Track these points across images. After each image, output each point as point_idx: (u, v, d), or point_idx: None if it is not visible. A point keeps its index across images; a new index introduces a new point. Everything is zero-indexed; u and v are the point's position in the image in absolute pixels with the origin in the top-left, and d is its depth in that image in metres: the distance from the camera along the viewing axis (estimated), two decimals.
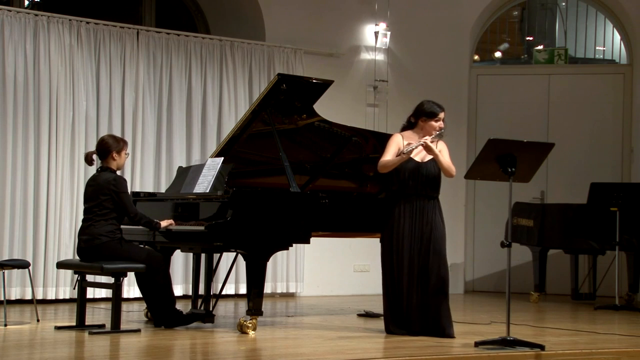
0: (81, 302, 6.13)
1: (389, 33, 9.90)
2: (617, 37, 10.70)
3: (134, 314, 7.14)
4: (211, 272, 6.67)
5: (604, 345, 5.72)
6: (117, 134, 8.26)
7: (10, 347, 5.26)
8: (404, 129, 6.10)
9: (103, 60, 8.41)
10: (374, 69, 9.90)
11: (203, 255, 6.69)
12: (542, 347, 5.32)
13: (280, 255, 9.07)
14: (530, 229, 9.13)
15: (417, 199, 5.93)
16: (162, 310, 6.13)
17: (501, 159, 5.51)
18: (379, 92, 9.93)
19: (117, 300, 5.85)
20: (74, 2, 9.48)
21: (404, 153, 5.84)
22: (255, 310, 5.96)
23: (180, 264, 8.59)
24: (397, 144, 5.97)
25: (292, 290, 9.37)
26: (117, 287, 5.85)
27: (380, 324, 6.26)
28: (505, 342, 5.35)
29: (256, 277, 5.95)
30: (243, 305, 7.66)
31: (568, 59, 10.66)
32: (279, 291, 9.27)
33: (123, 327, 5.93)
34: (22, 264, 6.67)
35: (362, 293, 9.53)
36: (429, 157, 5.95)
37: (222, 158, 6.32)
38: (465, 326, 6.50)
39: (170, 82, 8.76)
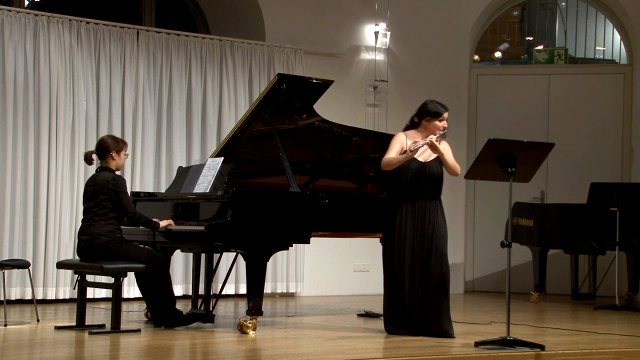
0: (81, 302, 6.13)
1: (389, 33, 9.90)
2: (617, 37, 10.70)
3: (134, 314, 7.14)
4: (211, 272, 6.67)
5: (604, 345, 5.72)
6: (117, 134, 8.26)
7: (10, 347, 5.26)
8: (407, 128, 6.10)
9: (103, 60, 8.41)
10: (374, 69, 9.90)
11: (203, 255, 6.69)
12: (542, 347, 5.32)
13: (280, 255, 9.07)
14: (530, 229, 9.13)
15: (419, 199, 5.93)
16: (162, 310, 6.13)
17: (501, 159, 5.51)
18: (379, 92, 9.93)
19: (117, 300, 5.85)
20: (74, 2, 9.49)
21: (410, 151, 5.84)
22: (255, 310, 5.96)
23: (180, 264, 8.59)
24: (400, 143, 5.98)
25: (292, 290, 9.37)
26: (117, 287, 5.85)
27: (380, 324, 6.26)
28: (505, 342, 5.35)
29: (256, 277, 5.95)
30: (243, 305, 7.66)
31: (568, 59, 10.66)
32: (279, 291, 9.27)
33: (123, 327, 5.93)
34: (22, 264, 6.67)
35: (362, 293, 9.54)
36: (432, 157, 5.96)
37: (222, 158, 6.32)
38: (465, 326, 6.50)
39: (170, 82, 8.76)
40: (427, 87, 9.74)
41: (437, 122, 5.95)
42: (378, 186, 7.32)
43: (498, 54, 11.15)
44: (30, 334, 5.90)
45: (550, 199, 10.16)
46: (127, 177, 8.26)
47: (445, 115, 5.99)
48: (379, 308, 7.37)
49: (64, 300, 8.02)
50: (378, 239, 7.22)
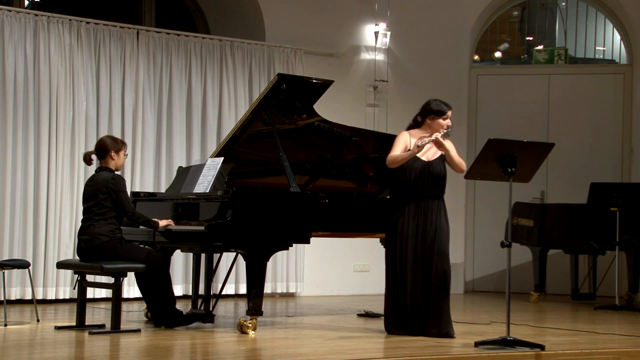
0: (81, 302, 6.13)
1: (389, 33, 9.90)
2: (617, 37, 10.70)
3: (134, 314, 7.14)
4: (211, 272, 6.67)
5: (604, 345, 5.72)
6: (117, 134, 8.27)
7: (10, 347, 5.26)
8: (410, 128, 6.10)
9: (103, 60, 8.41)
10: (374, 69, 9.90)
11: (203, 255, 6.69)
12: (542, 347, 5.32)
13: (280, 255, 9.07)
14: (530, 229, 9.13)
15: (422, 199, 5.92)
16: (162, 310, 6.13)
17: (501, 159, 5.51)
18: (379, 92, 9.93)
19: (117, 300, 5.85)
20: (74, 2, 9.49)
21: (417, 146, 5.84)
22: (255, 310, 5.96)
23: (180, 264, 8.59)
24: (404, 141, 5.98)
25: (292, 290, 9.37)
26: (117, 287, 5.85)
27: (380, 324, 6.26)
28: (505, 342, 5.35)
29: (256, 277, 5.95)
30: (243, 305, 7.66)
31: (568, 59, 10.67)
32: (279, 291, 9.27)
33: (123, 327, 5.93)
34: (22, 264, 6.67)
35: (362, 293, 9.54)
36: (435, 156, 5.96)
37: (222, 158, 6.32)
38: (465, 326, 6.50)
39: (170, 82, 8.77)
40: (427, 87, 9.74)
41: (440, 121, 5.96)
42: (378, 186, 7.32)
43: (498, 54, 11.15)
44: (30, 334, 5.90)
45: (550, 199, 10.16)
46: (127, 177, 8.26)
47: (449, 113, 6.00)
48: (379, 308, 7.37)
49: (64, 300, 8.02)
50: (378, 239, 7.24)
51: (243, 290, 8.72)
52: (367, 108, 9.91)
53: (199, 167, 6.49)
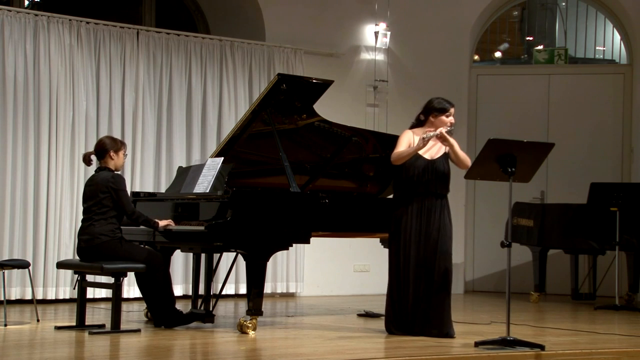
0: (81, 302, 6.13)
1: (389, 33, 9.90)
2: (617, 37, 10.70)
3: (134, 314, 7.14)
4: (211, 272, 6.67)
5: (604, 345, 5.72)
6: (117, 134, 8.27)
7: (10, 347, 5.26)
8: (413, 127, 6.10)
9: (103, 60, 8.41)
10: (374, 69, 9.90)
11: (203, 255, 6.69)
12: (542, 347, 5.32)
13: (280, 255, 9.07)
14: (530, 229, 9.13)
15: (426, 198, 5.91)
16: (162, 310, 6.13)
17: (501, 159, 5.50)
18: (379, 92, 9.93)
19: (117, 300, 5.85)
20: (74, 2, 9.49)
21: (423, 138, 5.84)
22: (255, 310, 5.96)
23: (180, 264, 8.59)
24: (408, 140, 5.97)
25: (292, 290, 9.37)
26: (117, 287, 5.85)
27: (380, 324, 6.26)
28: (505, 342, 5.35)
29: (256, 277, 5.95)
30: (243, 305, 7.66)
31: (568, 59, 10.67)
32: (279, 291, 9.27)
33: (123, 327, 5.93)
34: (22, 264, 6.67)
35: (362, 293, 9.54)
36: (439, 154, 5.96)
37: (222, 158, 6.32)
38: (465, 326, 6.50)
39: (170, 82, 8.77)
40: (427, 87, 9.73)
41: (443, 118, 5.96)
42: (378, 186, 7.32)
43: (498, 54, 11.15)
44: (30, 334, 5.90)
45: (550, 199, 10.16)
46: (127, 177, 8.25)
47: (452, 110, 6.00)
48: (379, 308, 7.37)
49: (64, 300, 8.02)
50: (378, 239, 7.24)
51: (243, 290, 8.72)
52: (367, 108, 9.91)
53: (199, 167, 6.49)
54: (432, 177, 5.91)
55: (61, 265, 6.45)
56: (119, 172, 6.18)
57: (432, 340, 5.67)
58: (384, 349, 5.61)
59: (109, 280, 5.94)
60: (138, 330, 5.95)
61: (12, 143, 7.90)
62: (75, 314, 6.14)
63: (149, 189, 8.37)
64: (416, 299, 5.87)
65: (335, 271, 9.67)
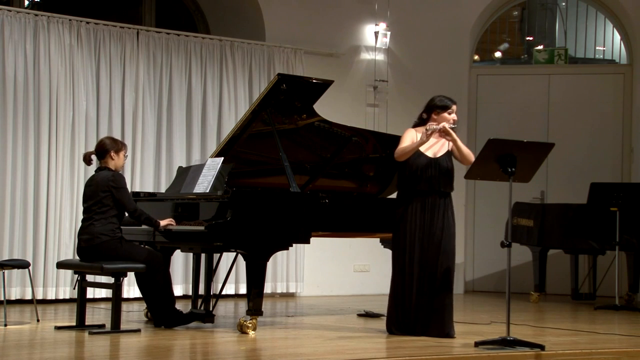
0: (81, 302, 6.13)
1: (389, 33, 9.90)
2: (617, 37, 10.70)
3: (134, 314, 7.14)
4: (211, 272, 6.67)
5: (604, 345, 5.72)
6: (117, 134, 8.28)
7: (10, 347, 5.26)
8: (415, 126, 6.09)
9: (103, 60, 8.41)
10: (374, 69, 9.90)
11: (203, 255, 6.69)
12: (542, 347, 5.32)
13: (280, 255, 9.07)
14: (530, 229, 9.13)
15: (429, 197, 5.90)
16: (162, 310, 6.13)
17: (501, 159, 5.50)
18: (379, 92, 9.93)
19: (117, 300, 5.85)
20: (74, 2, 9.49)
21: (426, 129, 5.83)
22: (255, 310, 5.95)
23: (180, 264, 8.59)
24: (411, 137, 5.97)
25: (292, 290, 9.37)
26: (117, 287, 5.85)
27: (380, 323, 6.26)
28: (505, 342, 5.35)
29: (256, 277, 5.95)
30: (243, 305, 7.66)
31: (568, 59, 10.67)
32: (279, 291, 9.27)
33: (123, 327, 5.93)
34: (22, 264, 6.67)
35: (362, 293, 9.54)
36: (442, 152, 5.95)
37: (222, 158, 6.32)
38: (465, 326, 6.49)
39: (170, 82, 8.77)
40: (427, 87, 9.71)
41: (446, 115, 5.96)
42: (378, 186, 7.32)
43: (498, 54, 11.15)
44: (30, 334, 5.90)
45: (550, 199, 10.16)
46: (127, 177, 8.24)
47: (454, 107, 6.00)
48: (379, 308, 7.37)
49: (64, 300, 8.02)
50: (378, 239, 7.24)
51: (243, 290, 8.72)
52: (367, 108, 9.91)
53: (199, 167, 6.49)
54: (435, 173, 5.89)
55: (61, 265, 6.45)
56: (119, 172, 6.18)
57: (432, 340, 5.67)
58: (384, 349, 5.61)
59: (109, 280, 5.94)
60: (138, 330, 5.95)
61: (12, 143, 7.90)
62: (75, 314, 6.14)
63: (149, 189, 8.38)
64: (419, 299, 5.86)
65: (335, 271, 9.67)
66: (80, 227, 6.09)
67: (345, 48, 9.85)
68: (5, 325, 6.22)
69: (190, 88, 8.87)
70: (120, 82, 8.49)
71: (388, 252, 7.08)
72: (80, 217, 6.26)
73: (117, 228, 6.02)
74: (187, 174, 6.65)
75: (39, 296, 7.85)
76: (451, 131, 5.87)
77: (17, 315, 6.99)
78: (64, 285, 8.04)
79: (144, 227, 6.32)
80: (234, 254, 6.63)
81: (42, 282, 7.96)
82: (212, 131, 8.95)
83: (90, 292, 7.72)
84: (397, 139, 6.12)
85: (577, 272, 9.10)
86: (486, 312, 7.89)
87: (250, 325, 5.94)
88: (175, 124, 8.76)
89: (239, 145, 6.68)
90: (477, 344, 5.41)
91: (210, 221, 5.88)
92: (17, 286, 7.82)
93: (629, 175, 10.23)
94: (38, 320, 6.57)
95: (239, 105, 9.08)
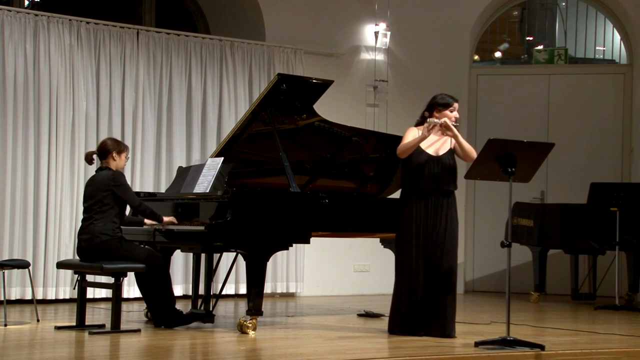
0: (81, 302, 6.13)
1: (389, 33, 9.90)
2: (617, 37, 10.70)
3: (134, 314, 7.14)
4: (211, 272, 6.67)
5: (604, 345, 5.72)
6: (117, 134, 8.28)
7: (10, 347, 5.26)
8: (418, 124, 6.09)
9: (103, 60, 8.41)
10: (374, 69, 9.90)
11: (203, 255, 6.69)
12: (542, 347, 5.32)
13: (280, 255, 9.07)
14: (530, 229, 9.12)
15: (432, 195, 5.90)
16: (162, 310, 6.13)
17: (501, 159, 5.50)
18: (379, 92, 9.93)
19: (117, 300, 5.85)
20: (74, 2, 9.49)
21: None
22: (255, 310, 5.95)
23: (180, 264, 8.59)
24: (413, 135, 5.96)
25: (292, 290, 9.37)
26: (117, 287, 5.85)
27: (380, 323, 6.26)
28: (505, 342, 5.35)
29: (256, 277, 5.95)
30: (243, 305, 7.66)
31: (568, 59, 10.67)
32: (279, 291, 9.27)
33: (123, 327, 5.93)
34: (22, 264, 6.67)
35: (362, 293, 9.54)
36: (444, 150, 5.94)
37: (222, 158, 6.32)
38: (465, 326, 6.49)
39: (170, 82, 8.77)
40: (427, 87, 9.69)
41: (448, 112, 5.96)
42: (378, 186, 7.32)
43: (498, 54, 11.15)
44: (30, 334, 5.90)
45: (550, 199, 10.16)
46: (127, 178, 8.21)
47: (456, 105, 6.00)
48: (379, 308, 7.37)
49: (64, 300, 8.02)
50: (378, 239, 7.24)
51: (243, 290, 8.72)
52: (367, 108, 9.91)
53: (199, 167, 6.49)
54: (438, 171, 5.89)
55: (61, 265, 6.45)
56: (119, 171, 6.18)
57: (432, 340, 5.67)
58: (384, 349, 5.60)
59: (109, 280, 5.94)
60: (138, 330, 5.95)
61: (12, 143, 7.90)
62: (75, 314, 6.14)
63: (149, 189, 8.37)
64: (424, 300, 5.84)
65: (335, 271, 9.67)
66: (81, 227, 6.09)
67: (345, 48, 9.85)
68: (5, 325, 6.22)
69: (190, 88, 8.87)
70: (120, 82, 8.49)
71: (388, 252, 7.10)
72: (80, 217, 6.26)
73: (117, 227, 6.02)
74: (187, 174, 6.65)
75: (39, 296, 7.85)
76: (452, 126, 5.87)
77: (17, 315, 6.99)
78: (64, 285, 8.04)
79: (144, 227, 6.32)
80: (234, 254, 6.63)
81: (42, 282, 7.96)
82: (212, 131, 8.95)
83: (90, 292, 7.72)
84: (397, 139, 6.12)
85: (577, 272, 9.11)
86: (486, 312, 7.89)
87: (250, 325, 5.94)
88: (175, 124, 8.76)
89: (239, 145, 6.68)
90: (477, 344, 5.41)
91: (211, 221, 5.87)
92: (17, 286, 7.82)
93: (629, 175, 10.23)
94: (38, 320, 6.57)
95: (239, 105, 9.08)
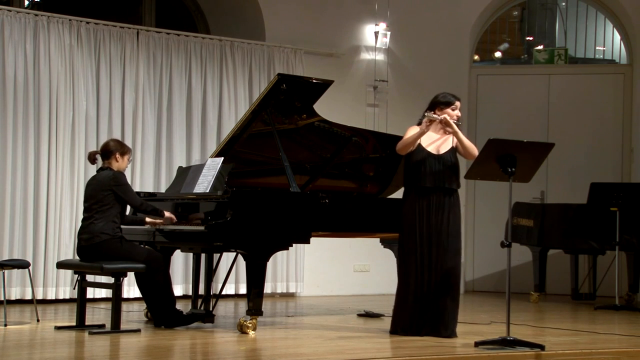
0: (81, 302, 6.13)
1: (389, 33, 9.90)
2: (617, 37, 10.70)
3: (134, 314, 7.14)
4: (211, 272, 6.67)
5: (604, 345, 5.72)
6: (117, 134, 8.28)
7: (10, 347, 5.26)
8: (419, 124, 6.08)
9: (103, 60, 8.41)
10: (374, 69, 9.90)
11: (203, 255, 6.69)
12: (542, 347, 5.32)
13: (280, 255, 9.07)
14: (530, 229, 9.12)
15: (435, 194, 5.89)
16: (162, 310, 6.14)
17: (501, 159, 5.50)
18: (379, 92, 9.93)
19: (117, 300, 5.85)
20: (74, 2, 9.49)
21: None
22: (255, 310, 5.95)
23: (180, 264, 8.59)
24: (413, 132, 5.97)
25: (292, 290, 9.37)
26: (117, 287, 5.85)
27: (380, 323, 6.26)
28: (505, 342, 5.35)
29: (256, 277, 5.95)
30: (243, 305, 7.66)
31: (568, 59, 10.67)
32: (279, 291, 9.26)
33: (123, 327, 5.93)
34: (22, 264, 6.67)
35: (362, 293, 9.54)
36: (445, 149, 5.93)
37: (222, 158, 6.32)
38: (465, 326, 6.49)
39: (170, 82, 8.77)
40: (427, 87, 9.69)
41: (449, 111, 5.96)
42: (378, 186, 7.32)
43: (498, 54, 11.15)
44: (30, 334, 5.90)
45: (550, 199, 10.16)
46: (127, 177, 8.21)
47: (458, 104, 6.01)
48: (379, 308, 7.38)
49: (64, 300, 8.02)
50: (378, 239, 7.24)
51: (243, 290, 8.72)
52: (367, 108, 9.91)
53: (199, 167, 6.49)
54: (439, 168, 5.88)
55: (61, 265, 6.45)
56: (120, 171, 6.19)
57: (432, 340, 5.67)
58: (384, 349, 5.60)
59: (109, 280, 5.94)
60: (138, 330, 5.95)
61: (12, 143, 7.90)
62: (75, 314, 6.14)
63: (149, 189, 8.37)
64: (428, 300, 5.83)
65: (335, 271, 9.67)
66: (81, 227, 6.10)
67: (345, 48, 9.85)
68: (5, 325, 6.22)
69: (190, 88, 8.87)
70: (120, 82, 8.49)
71: (388, 252, 7.11)
72: (81, 217, 6.26)
73: (117, 227, 6.02)
74: (187, 174, 6.65)
75: (39, 296, 7.85)
76: (452, 122, 5.87)
77: (17, 315, 6.99)
78: (64, 285, 8.04)
79: (144, 227, 6.33)
80: (234, 254, 6.63)
81: (42, 282, 7.96)
82: (212, 131, 8.95)
83: (90, 292, 7.72)
84: (397, 139, 6.12)
85: (577, 272, 9.10)
86: (486, 312, 7.89)
87: (250, 325, 5.94)
88: (175, 124, 8.76)
89: (239, 145, 6.68)
90: (477, 344, 5.41)
91: (210, 221, 5.87)
92: (17, 286, 7.82)
93: (629, 175, 10.23)
94: (38, 320, 6.57)
95: (239, 105, 9.07)
